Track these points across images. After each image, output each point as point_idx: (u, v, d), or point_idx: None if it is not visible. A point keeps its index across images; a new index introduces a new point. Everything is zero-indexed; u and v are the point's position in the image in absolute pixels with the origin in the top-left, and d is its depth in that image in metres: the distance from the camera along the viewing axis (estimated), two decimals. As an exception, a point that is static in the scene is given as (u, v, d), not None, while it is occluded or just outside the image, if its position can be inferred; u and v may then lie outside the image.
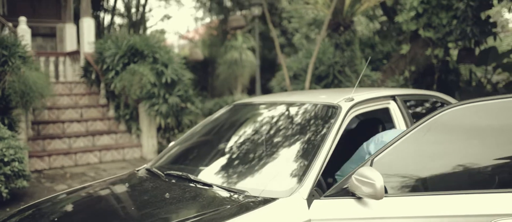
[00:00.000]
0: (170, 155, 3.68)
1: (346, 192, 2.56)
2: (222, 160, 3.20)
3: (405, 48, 11.08)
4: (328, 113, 3.14)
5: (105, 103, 10.26)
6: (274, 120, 3.40)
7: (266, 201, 2.51)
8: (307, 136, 3.02)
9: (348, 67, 9.90)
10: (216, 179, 2.94)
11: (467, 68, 13.14)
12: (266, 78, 21.86)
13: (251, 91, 18.88)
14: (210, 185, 2.84)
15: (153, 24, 26.93)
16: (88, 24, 10.82)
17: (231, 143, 3.39)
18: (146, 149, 9.55)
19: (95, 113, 10.08)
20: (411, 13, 10.91)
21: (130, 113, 9.56)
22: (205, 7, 23.79)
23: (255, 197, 2.58)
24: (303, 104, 3.36)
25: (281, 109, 3.50)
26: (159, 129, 9.77)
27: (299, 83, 9.92)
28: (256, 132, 3.36)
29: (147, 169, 3.47)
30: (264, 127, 3.36)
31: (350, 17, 9.79)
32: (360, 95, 3.33)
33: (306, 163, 2.73)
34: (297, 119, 3.26)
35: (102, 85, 10.16)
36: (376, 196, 2.38)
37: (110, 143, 9.57)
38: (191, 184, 2.89)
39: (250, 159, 3.06)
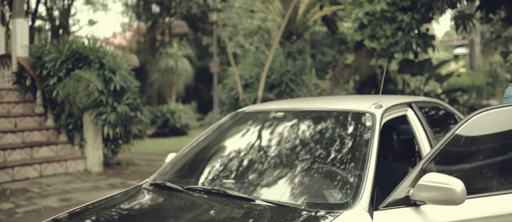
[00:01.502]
0: (178, 168, 3.36)
1: (406, 201, 2.46)
2: (255, 173, 2.95)
3: (350, 58, 11.33)
4: (362, 120, 3.01)
5: (42, 111, 9.44)
6: (302, 128, 3.20)
7: (331, 215, 2.32)
8: (347, 144, 2.87)
9: (299, 76, 9.93)
10: (256, 193, 2.69)
11: (401, 78, 13.73)
12: (201, 87, 21.57)
13: (186, 100, 18.47)
14: (251, 200, 2.58)
15: (78, 29, 25.50)
16: (21, 26, 9.92)
17: (258, 154, 3.14)
18: (91, 161, 8.89)
19: (32, 123, 9.24)
20: (356, 23, 11.19)
21: (74, 122, 8.86)
22: (133, 12, 23.01)
23: (315, 211, 2.37)
24: (331, 111, 3.20)
25: (305, 117, 3.31)
26: (104, 139, 9.15)
27: (251, 92, 9.78)
28: (284, 141, 3.14)
29: (156, 184, 3.14)
30: (291, 136, 3.16)
31: (303, 26, 9.84)
32: (385, 102, 3.24)
33: (358, 173, 2.57)
34: (329, 127, 3.09)
35: (39, 92, 9.35)
36: (455, 201, 2.30)
37: (50, 155, 8.79)
38: (228, 199, 2.62)
39: (288, 171, 2.84)
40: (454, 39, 26.77)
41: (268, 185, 2.78)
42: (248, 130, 3.51)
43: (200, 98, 19.71)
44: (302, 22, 9.79)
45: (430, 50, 10.90)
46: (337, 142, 2.93)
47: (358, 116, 3.05)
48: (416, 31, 10.10)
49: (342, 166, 2.73)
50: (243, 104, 9.69)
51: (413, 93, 13.68)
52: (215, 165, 3.26)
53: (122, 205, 2.91)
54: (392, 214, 2.44)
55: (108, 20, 41.29)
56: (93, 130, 8.87)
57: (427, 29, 10.73)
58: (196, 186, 2.88)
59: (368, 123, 2.94)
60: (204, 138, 3.62)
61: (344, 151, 2.83)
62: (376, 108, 3.07)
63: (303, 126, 3.21)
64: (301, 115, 3.32)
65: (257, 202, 2.56)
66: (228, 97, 10.35)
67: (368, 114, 3.01)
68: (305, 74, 10.15)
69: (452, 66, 20.06)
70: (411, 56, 11.36)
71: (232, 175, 3.01)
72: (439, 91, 14.07)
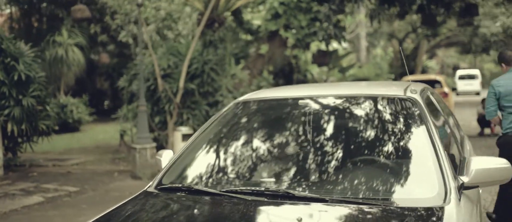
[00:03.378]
0: (186, 168, 2.87)
1: (461, 188, 2.32)
2: (305, 169, 2.56)
3: (264, 48, 11.21)
4: (406, 106, 2.79)
5: None
6: (339, 116, 2.89)
7: (433, 211, 2.06)
8: (401, 133, 2.62)
9: (220, 65, 9.53)
10: (328, 193, 2.31)
11: (305, 69, 14.00)
12: (91, 79, 19.96)
13: (77, 93, 16.91)
14: (324, 200, 2.21)
15: None
16: None
17: (296, 146, 2.76)
18: (-11, 163, 7.62)
19: None
20: (270, 13, 11.09)
21: (-33, 119, 7.50)
22: (5, -5, 20.57)
23: (413, 209, 2.09)
24: (368, 97, 2.93)
25: (336, 103, 2.99)
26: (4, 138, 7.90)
27: (171, 82, 9.15)
28: (322, 131, 2.80)
29: (171, 189, 2.63)
30: (330, 125, 2.83)
31: (224, 13, 9.45)
32: (414, 87, 3.07)
33: (432, 163, 2.34)
34: (371, 115, 2.82)
35: None
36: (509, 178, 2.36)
37: None
38: (296, 202, 2.23)
39: (348, 165, 2.51)
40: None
41: (334, 182, 2.43)
42: (266, 120, 3.11)
43: (91, 91, 18.29)
44: (225, 9, 9.40)
45: (334, 42, 11.22)
46: (388, 130, 2.67)
47: (400, 102, 2.83)
48: (332, 22, 10.29)
49: (408, 157, 2.49)
50: (163, 95, 9.05)
51: (315, 81, 14.06)
52: (241, 162, 2.81)
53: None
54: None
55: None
56: (-8, 128, 7.60)
57: (339, 21, 11.02)
58: (242, 188, 2.42)
59: (415, 109, 2.73)
60: (208, 132, 3.13)
61: (399, 139, 2.59)
62: (412, 93, 2.90)
63: (338, 114, 2.90)
64: (333, 102, 3.01)
65: (330, 202, 2.20)
66: (137, 88, 9.56)
67: (409, 100, 2.81)
68: (226, 63, 9.79)
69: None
70: (323, 47, 11.62)
71: (273, 173, 2.61)
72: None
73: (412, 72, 24.37)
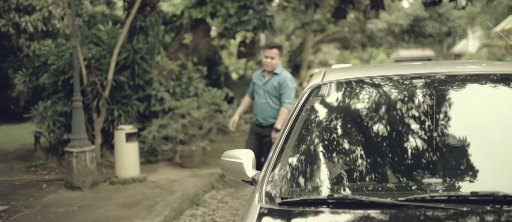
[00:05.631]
0: (293, 173, 2.26)
1: None
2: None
3: (188, 38, 10.31)
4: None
5: None
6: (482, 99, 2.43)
7: None
8: None
9: (150, 54, 8.44)
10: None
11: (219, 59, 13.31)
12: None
13: None
14: None
15: None
16: None
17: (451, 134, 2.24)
18: None
19: None
20: (194, -1, 10.24)
21: None
22: None
23: None
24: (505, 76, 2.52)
25: (467, 83, 2.54)
26: None
27: (97, 75, 7.84)
28: (468, 117, 2.34)
29: (304, 202, 2.01)
30: (475, 110, 2.37)
31: (157, -5, 8.38)
32: None
33: None
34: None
35: None
36: None
37: None
38: None
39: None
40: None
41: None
42: (374, 104, 2.56)
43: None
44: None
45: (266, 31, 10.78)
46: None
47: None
48: (266, 9, 9.79)
49: None
50: (89, 89, 7.72)
51: (226, 75, 13.46)
52: (370, 160, 2.26)
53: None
54: None
55: None
56: None
57: (266, 9, 10.55)
58: (433, 195, 1.84)
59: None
60: (299, 126, 2.53)
61: None
62: None
63: (477, 96, 2.45)
64: (448, 81, 2.57)
65: None
66: (54, 82, 8.06)
67: None
68: (155, 53, 8.74)
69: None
70: (249, 36, 11.03)
71: (428, 169, 2.09)
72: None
73: (298, 66, 25.03)
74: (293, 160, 2.36)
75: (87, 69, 7.74)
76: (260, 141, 5.34)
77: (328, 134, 2.47)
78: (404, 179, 2.15)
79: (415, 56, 37.62)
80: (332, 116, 2.60)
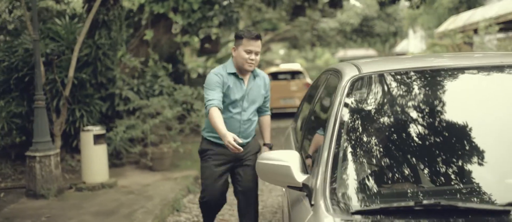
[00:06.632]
0: (362, 174, 2.03)
1: None
2: None
3: (149, 34, 9.81)
4: None
5: None
6: None
7: None
8: None
9: (112, 50, 7.88)
10: None
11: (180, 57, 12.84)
12: None
13: None
14: None
15: None
16: None
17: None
18: None
19: None
20: (155, -7, 9.76)
21: None
22: None
23: None
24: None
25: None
26: None
27: (56, 73, 7.19)
28: None
29: (380, 211, 1.77)
30: None
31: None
32: None
33: None
34: None
35: None
36: None
37: None
38: None
39: None
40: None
41: None
42: (422, 97, 2.37)
43: None
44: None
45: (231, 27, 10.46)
46: None
47: None
48: (232, 5, 9.46)
49: None
50: (48, 88, 7.09)
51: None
52: (434, 159, 2.04)
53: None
54: None
55: None
56: None
57: (232, 5, 10.24)
58: None
59: None
60: (348, 123, 2.29)
61: None
62: None
63: None
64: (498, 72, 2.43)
65: None
66: (5, 80, 7.35)
67: None
68: (118, 49, 8.19)
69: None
70: (214, 32, 10.66)
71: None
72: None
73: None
74: (356, 163, 2.09)
75: (45, 66, 7.10)
76: (233, 170, 3.85)
77: (388, 131, 2.22)
78: (490, 181, 1.93)
79: (359, 55, 38.50)
80: (385, 111, 2.35)
